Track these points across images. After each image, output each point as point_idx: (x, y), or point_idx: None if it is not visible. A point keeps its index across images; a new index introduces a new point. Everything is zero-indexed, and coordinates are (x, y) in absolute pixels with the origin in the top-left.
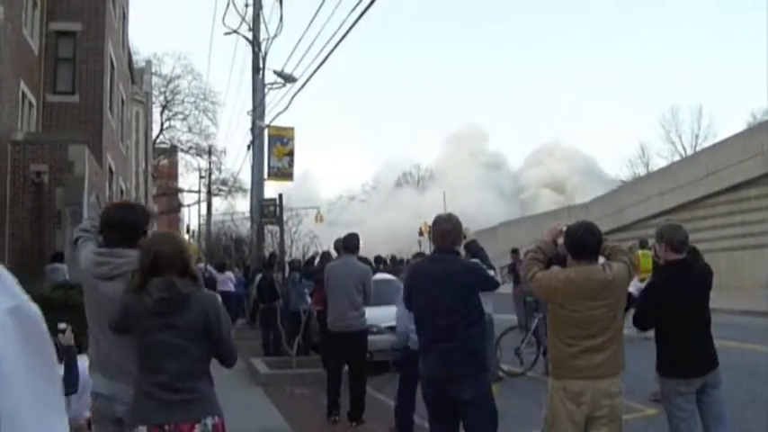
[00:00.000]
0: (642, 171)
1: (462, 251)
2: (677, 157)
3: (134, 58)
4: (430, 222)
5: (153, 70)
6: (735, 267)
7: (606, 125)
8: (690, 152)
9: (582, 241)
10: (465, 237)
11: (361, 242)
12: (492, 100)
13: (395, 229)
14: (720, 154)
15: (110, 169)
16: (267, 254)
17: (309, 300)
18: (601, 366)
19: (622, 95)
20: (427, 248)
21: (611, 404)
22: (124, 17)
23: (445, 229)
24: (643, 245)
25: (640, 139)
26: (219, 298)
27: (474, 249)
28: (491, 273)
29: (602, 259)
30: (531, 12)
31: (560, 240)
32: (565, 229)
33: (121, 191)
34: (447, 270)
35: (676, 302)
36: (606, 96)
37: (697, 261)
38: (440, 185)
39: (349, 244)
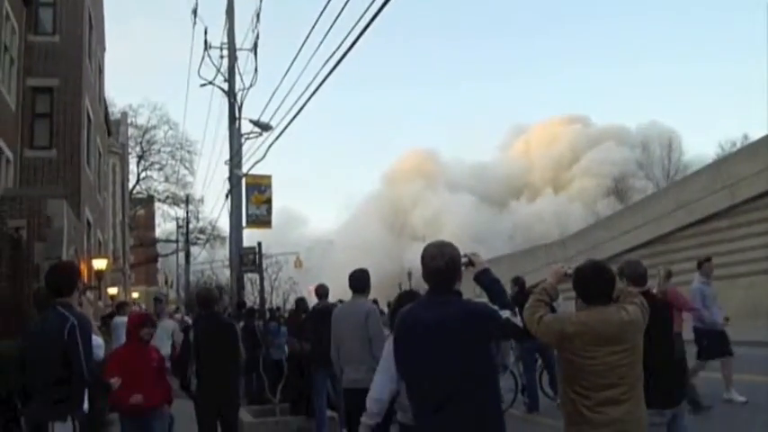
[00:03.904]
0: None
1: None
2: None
3: (110, 110)
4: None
5: (129, 121)
6: None
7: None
8: (664, 185)
9: (595, 284)
10: (473, 265)
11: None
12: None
13: (376, 272)
14: (689, 188)
15: (87, 222)
16: (247, 302)
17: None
18: (621, 422)
19: None
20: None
21: None
22: (100, 71)
23: (437, 269)
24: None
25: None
26: None
27: (486, 282)
28: (505, 314)
29: None
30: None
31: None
32: (571, 272)
33: (99, 243)
34: (439, 317)
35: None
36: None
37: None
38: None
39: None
